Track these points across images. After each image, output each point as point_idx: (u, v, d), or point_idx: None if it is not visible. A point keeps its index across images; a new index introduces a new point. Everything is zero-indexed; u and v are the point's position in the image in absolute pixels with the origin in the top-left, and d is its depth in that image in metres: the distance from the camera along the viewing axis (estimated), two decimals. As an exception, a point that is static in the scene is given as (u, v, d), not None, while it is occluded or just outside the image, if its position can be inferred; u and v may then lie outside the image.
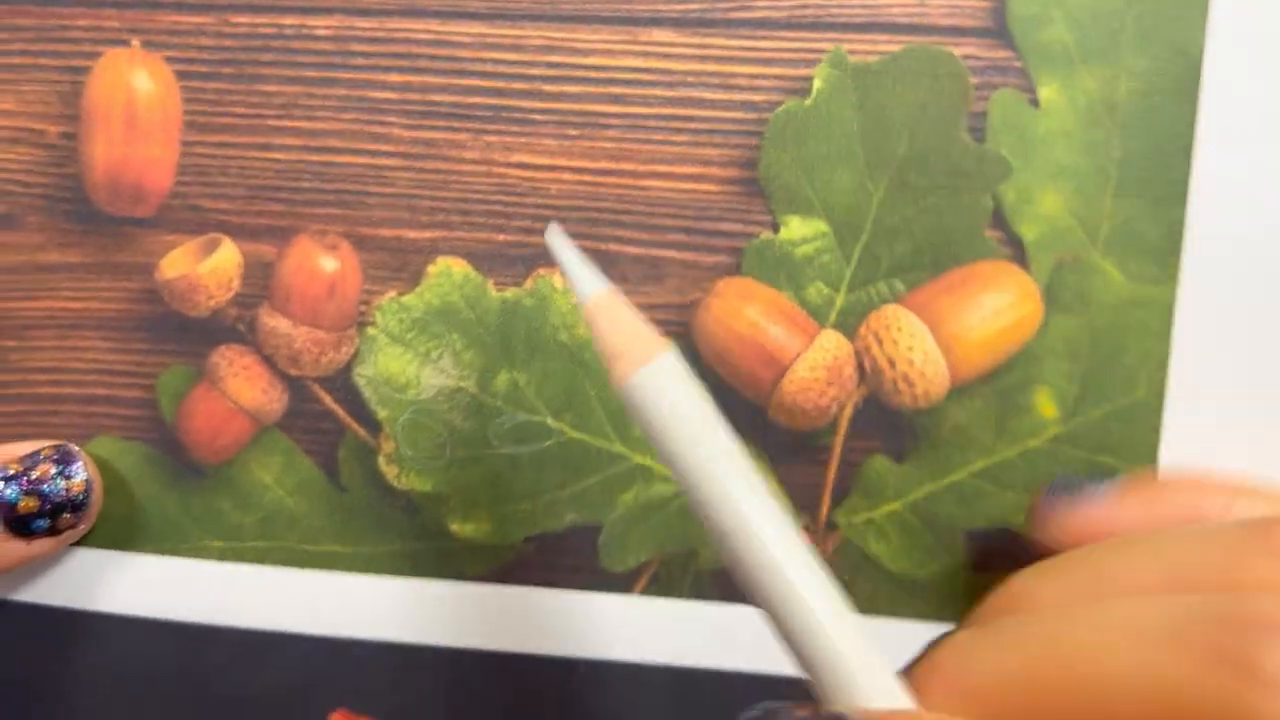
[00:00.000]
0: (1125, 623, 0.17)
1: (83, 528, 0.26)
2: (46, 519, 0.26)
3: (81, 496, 0.26)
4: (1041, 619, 0.18)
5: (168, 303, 0.26)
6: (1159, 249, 0.25)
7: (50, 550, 0.26)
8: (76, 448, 0.26)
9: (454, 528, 0.27)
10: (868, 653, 0.18)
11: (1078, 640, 0.17)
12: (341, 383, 0.27)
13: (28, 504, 0.25)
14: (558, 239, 0.20)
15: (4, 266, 0.26)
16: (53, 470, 0.26)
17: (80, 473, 0.26)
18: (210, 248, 0.26)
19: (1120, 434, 0.25)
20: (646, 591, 0.26)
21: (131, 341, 0.27)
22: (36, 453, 0.26)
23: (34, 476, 0.25)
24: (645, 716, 0.27)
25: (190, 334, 0.27)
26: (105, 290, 0.26)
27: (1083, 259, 0.25)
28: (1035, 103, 0.24)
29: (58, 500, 0.26)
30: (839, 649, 0.18)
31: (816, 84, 0.25)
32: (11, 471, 0.25)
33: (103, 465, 0.27)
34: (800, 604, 0.18)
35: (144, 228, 0.26)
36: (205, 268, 0.26)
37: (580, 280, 0.20)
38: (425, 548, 0.27)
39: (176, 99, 0.26)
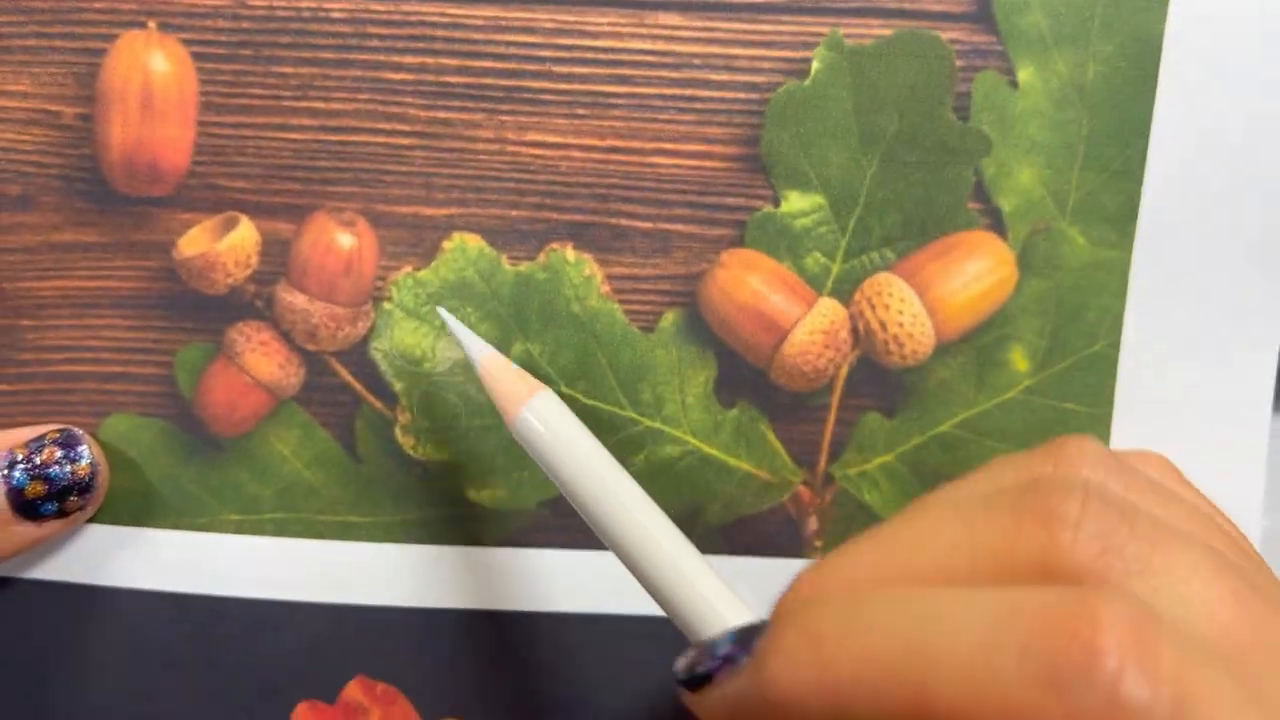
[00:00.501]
0: (950, 513, 0.20)
1: (90, 509, 0.27)
2: (54, 502, 0.26)
3: (87, 479, 0.26)
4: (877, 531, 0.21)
5: (185, 281, 0.27)
6: (1117, 217, 0.27)
7: (59, 531, 0.27)
8: (80, 430, 0.26)
9: (470, 495, 0.28)
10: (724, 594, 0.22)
11: (909, 534, 0.20)
12: (358, 357, 0.27)
13: (35, 488, 0.26)
14: (447, 315, 0.25)
15: (20, 247, 0.27)
16: (58, 454, 0.26)
17: (85, 455, 0.26)
18: (228, 226, 0.27)
19: (1082, 383, 0.28)
20: (659, 546, 0.28)
21: (149, 319, 0.27)
22: (41, 437, 0.26)
23: (40, 461, 0.26)
24: (659, 666, 0.28)
25: (208, 311, 0.27)
26: (122, 269, 0.27)
27: (1053, 227, 0.27)
28: (1014, 84, 0.26)
29: (64, 484, 0.26)
30: (698, 592, 0.22)
31: (814, 65, 0.26)
32: (18, 456, 0.26)
33: (119, 441, 0.27)
34: (662, 561, 0.23)
35: (161, 207, 0.27)
36: (223, 245, 0.27)
37: (471, 346, 0.25)
38: (442, 515, 0.28)
39: (193, 80, 0.26)
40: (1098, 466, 0.20)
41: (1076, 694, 0.16)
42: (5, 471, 0.26)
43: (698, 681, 0.20)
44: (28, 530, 0.26)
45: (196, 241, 0.27)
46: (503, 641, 0.28)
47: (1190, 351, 0.28)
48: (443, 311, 0.26)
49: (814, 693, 0.18)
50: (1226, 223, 0.27)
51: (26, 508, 0.26)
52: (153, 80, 0.26)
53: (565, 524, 0.28)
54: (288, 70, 0.26)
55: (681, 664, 0.21)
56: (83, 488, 0.26)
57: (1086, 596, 0.17)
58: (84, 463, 0.26)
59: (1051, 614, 0.17)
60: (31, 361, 0.27)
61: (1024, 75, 0.26)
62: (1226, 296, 0.27)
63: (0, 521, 0.26)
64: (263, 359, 0.27)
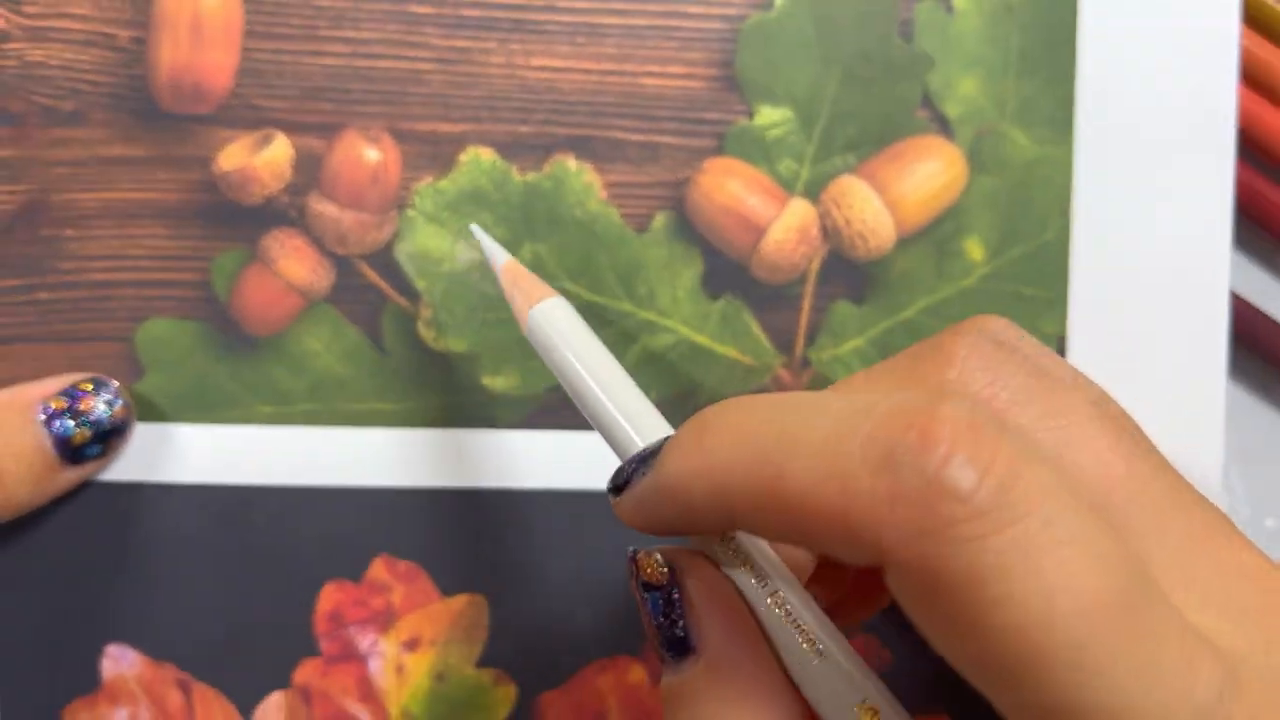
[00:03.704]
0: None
1: (124, 448, 0.29)
2: (98, 445, 0.28)
3: (124, 421, 0.29)
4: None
5: (224, 193, 0.30)
6: (1055, 118, 0.31)
7: (98, 469, 0.29)
8: (106, 377, 0.29)
9: (485, 382, 0.31)
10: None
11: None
12: (384, 259, 0.30)
13: (82, 434, 0.28)
14: (478, 230, 0.28)
15: (69, 160, 0.29)
16: (96, 400, 0.28)
17: (119, 399, 0.29)
18: (264, 142, 0.30)
19: (1037, 269, 0.31)
20: (659, 424, 0.31)
21: (187, 228, 0.30)
22: (73, 386, 0.28)
23: (82, 408, 0.28)
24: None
25: (244, 220, 0.30)
26: (164, 181, 0.30)
27: (996, 129, 0.31)
28: (950, 9, 0.31)
29: (106, 428, 0.28)
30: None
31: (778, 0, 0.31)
32: (56, 406, 0.28)
33: (156, 344, 0.30)
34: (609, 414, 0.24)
35: (203, 124, 0.30)
36: (260, 160, 0.30)
37: (495, 254, 0.27)
38: (460, 401, 0.30)
39: (239, 9, 0.29)
40: (990, 325, 0.22)
41: (903, 474, 0.17)
42: (45, 420, 0.28)
43: (620, 489, 0.21)
44: (72, 473, 0.28)
45: (235, 156, 0.30)
46: (517, 518, 0.30)
47: (1139, 233, 0.31)
48: (475, 228, 0.28)
49: (698, 474, 0.19)
50: (1159, 111, 0.31)
51: (74, 454, 0.28)
52: (202, 8, 0.29)
53: (571, 407, 0.30)
54: (324, 3, 0.30)
55: (611, 477, 0.22)
56: (121, 430, 0.28)
57: (933, 397, 0.18)
58: (120, 405, 0.28)
59: (898, 409, 0.17)
60: (73, 270, 0.30)
61: (959, 1, 0.31)
62: (1168, 177, 0.31)
63: (50, 470, 0.28)
64: (296, 263, 0.30)
